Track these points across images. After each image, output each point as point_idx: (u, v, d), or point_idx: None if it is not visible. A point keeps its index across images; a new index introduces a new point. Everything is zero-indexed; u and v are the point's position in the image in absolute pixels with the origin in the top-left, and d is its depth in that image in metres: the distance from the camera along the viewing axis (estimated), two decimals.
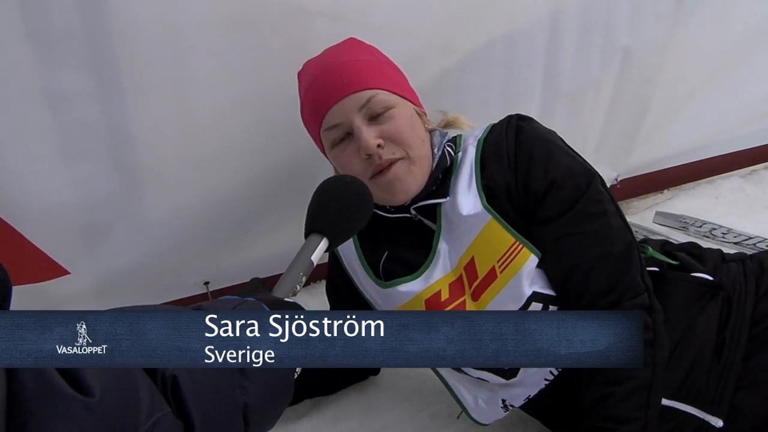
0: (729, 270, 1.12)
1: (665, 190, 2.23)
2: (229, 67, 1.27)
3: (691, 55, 1.87)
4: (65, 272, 1.38)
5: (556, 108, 1.71)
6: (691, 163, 2.17)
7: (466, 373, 1.15)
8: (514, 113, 1.13)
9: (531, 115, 1.13)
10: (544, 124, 1.13)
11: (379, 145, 1.03)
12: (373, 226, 1.02)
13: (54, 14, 1.11)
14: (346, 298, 1.29)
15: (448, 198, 1.09)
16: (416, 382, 1.42)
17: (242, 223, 1.52)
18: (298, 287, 0.80)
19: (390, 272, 1.15)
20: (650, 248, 1.14)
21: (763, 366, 1.03)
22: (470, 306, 1.08)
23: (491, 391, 1.16)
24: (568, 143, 1.12)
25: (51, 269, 1.36)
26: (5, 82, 1.14)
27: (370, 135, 1.02)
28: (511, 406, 1.14)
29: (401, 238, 1.15)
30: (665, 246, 1.21)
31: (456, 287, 1.09)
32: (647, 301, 1.00)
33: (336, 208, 0.85)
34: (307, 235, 0.84)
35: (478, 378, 1.15)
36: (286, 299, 0.76)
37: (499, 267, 1.04)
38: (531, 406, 1.14)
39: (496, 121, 1.14)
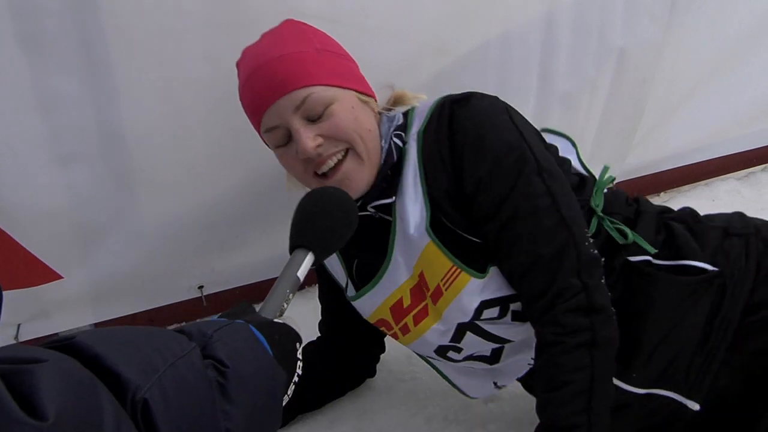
0: (731, 248, 1.05)
1: (662, 193, 2.23)
2: (221, 71, 1.26)
3: (686, 57, 1.86)
4: (58, 277, 1.38)
5: (552, 109, 1.70)
6: (688, 165, 2.17)
7: (453, 361, 1.15)
8: (448, 95, 1.05)
9: (526, 116, 1.09)
10: (539, 123, 1.10)
11: (319, 145, 0.98)
12: None
13: (46, 18, 1.11)
14: (337, 305, 1.27)
15: (395, 198, 1.04)
16: (411, 386, 1.42)
17: (236, 227, 1.51)
18: (286, 305, 0.77)
19: (362, 280, 1.14)
20: (631, 233, 1.05)
21: (747, 353, 1.01)
22: (432, 310, 1.06)
23: (481, 376, 1.18)
24: (516, 112, 1.04)
25: (44, 274, 1.36)
26: None
27: (307, 137, 0.97)
28: (503, 385, 1.15)
29: (361, 239, 1.06)
30: (663, 214, 1.13)
31: (416, 292, 1.07)
32: (585, 301, 0.95)
33: (321, 222, 0.83)
34: (291, 250, 0.82)
35: (465, 366, 1.16)
36: (275, 320, 0.74)
37: (443, 285, 1.02)
38: (523, 382, 1.16)
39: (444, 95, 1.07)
